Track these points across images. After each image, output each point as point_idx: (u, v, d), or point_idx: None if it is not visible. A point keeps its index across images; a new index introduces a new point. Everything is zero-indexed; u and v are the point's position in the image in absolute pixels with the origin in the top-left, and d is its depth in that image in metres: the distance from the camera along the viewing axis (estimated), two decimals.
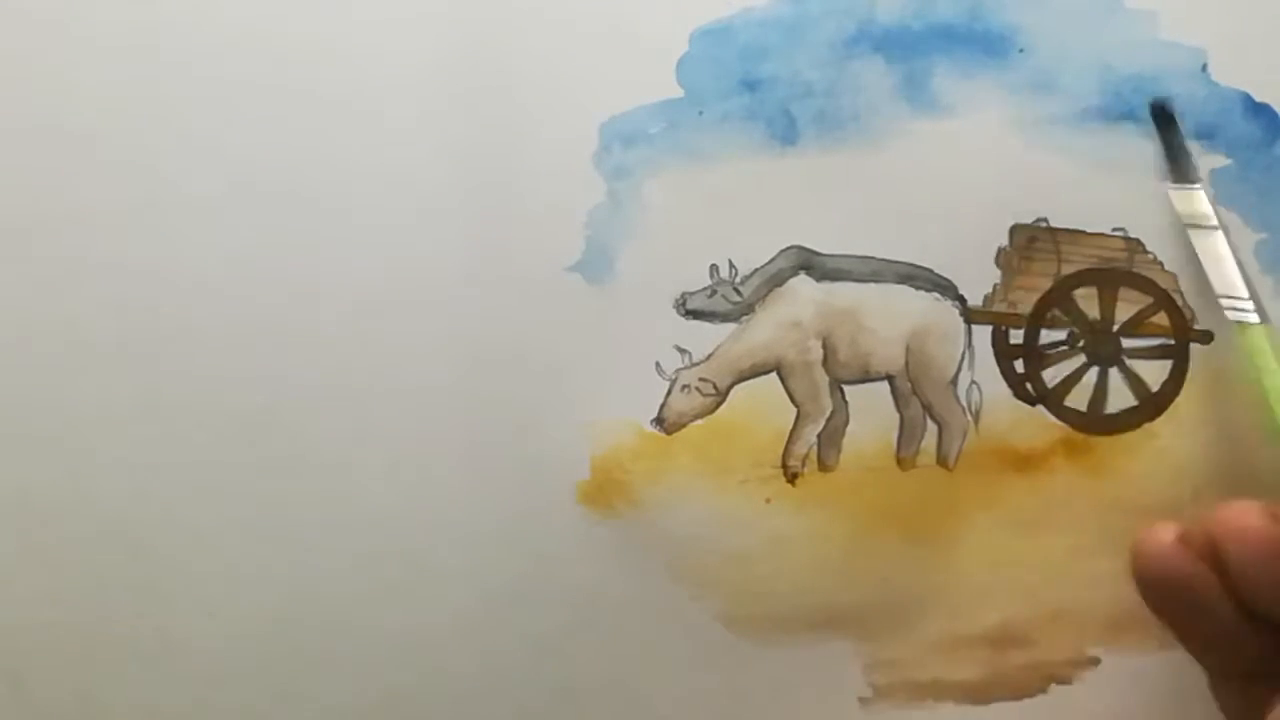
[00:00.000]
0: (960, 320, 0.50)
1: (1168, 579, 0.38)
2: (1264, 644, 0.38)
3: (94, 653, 0.47)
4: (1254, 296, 0.44)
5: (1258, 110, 0.50)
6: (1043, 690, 0.53)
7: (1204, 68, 0.50)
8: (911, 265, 0.49)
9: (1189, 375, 0.52)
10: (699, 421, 0.49)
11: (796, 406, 0.50)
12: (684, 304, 0.48)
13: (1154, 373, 0.52)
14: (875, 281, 0.49)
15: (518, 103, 0.47)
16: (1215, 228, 0.45)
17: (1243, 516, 0.38)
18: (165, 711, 0.47)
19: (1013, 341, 0.51)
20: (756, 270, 0.49)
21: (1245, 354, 0.42)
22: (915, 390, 0.51)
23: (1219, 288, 0.44)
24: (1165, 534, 0.39)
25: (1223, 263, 0.44)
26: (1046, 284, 0.51)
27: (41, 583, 0.46)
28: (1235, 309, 0.43)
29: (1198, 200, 0.46)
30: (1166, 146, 0.47)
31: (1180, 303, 0.51)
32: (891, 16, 0.48)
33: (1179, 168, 0.47)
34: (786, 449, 0.50)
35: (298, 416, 0.47)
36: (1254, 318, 0.43)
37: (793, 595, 0.50)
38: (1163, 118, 0.47)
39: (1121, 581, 0.53)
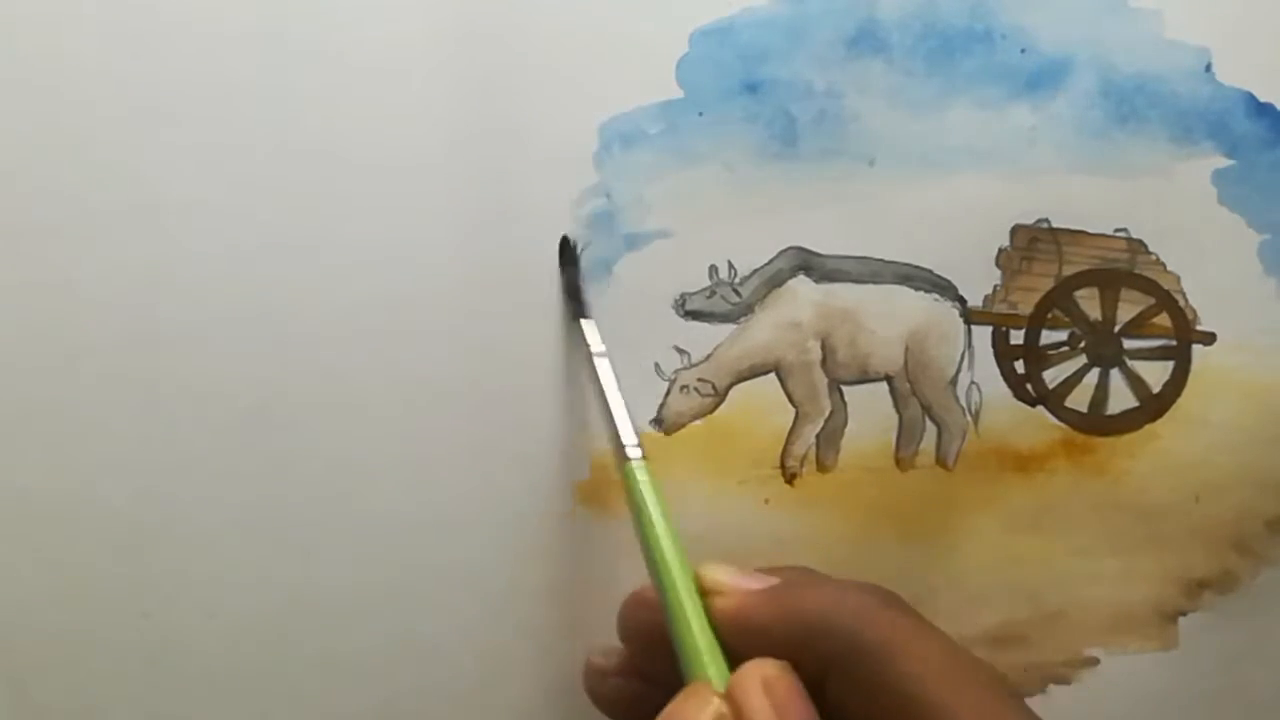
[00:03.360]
0: (960, 320, 0.50)
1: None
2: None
3: (94, 654, 0.47)
4: (635, 430, 0.44)
5: (1261, 110, 0.50)
6: (1041, 690, 0.53)
7: (1208, 67, 0.49)
8: (911, 265, 0.49)
9: (1191, 376, 0.52)
10: (698, 422, 0.49)
11: (795, 407, 0.50)
12: (684, 304, 0.48)
13: (1155, 373, 0.52)
14: (874, 282, 0.49)
15: (518, 102, 0.47)
16: (604, 355, 0.46)
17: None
18: (165, 712, 0.47)
19: (1013, 342, 0.51)
20: (756, 271, 0.49)
21: (628, 489, 0.42)
22: (914, 391, 0.50)
23: (616, 419, 0.44)
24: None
25: (614, 394, 0.44)
26: (1048, 284, 0.51)
27: (41, 584, 0.46)
28: (624, 444, 0.43)
29: (592, 330, 0.46)
30: (568, 283, 0.47)
31: (1182, 303, 0.51)
32: (891, 17, 0.47)
33: (580, 303, 0.47)
34: (785, 449, 0.50)
35: (297, 417, 0.47)
36: (637, 453, 0.43)
37: None
38: (566, 256, 0.47)
39: (1121, 582, 0.53)
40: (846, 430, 0.50)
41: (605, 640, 0.45)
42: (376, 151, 0.47)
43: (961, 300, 0.50)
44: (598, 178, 0.47)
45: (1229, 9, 0.49)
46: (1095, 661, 0.53)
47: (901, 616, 0.38)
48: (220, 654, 0.47)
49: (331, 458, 0.47)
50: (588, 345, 0.46)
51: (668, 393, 0.49)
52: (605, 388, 0.45)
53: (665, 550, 0.40)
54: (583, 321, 0.46)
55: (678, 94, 0.47)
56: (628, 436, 0.43)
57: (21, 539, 0.46)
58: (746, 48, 0.47)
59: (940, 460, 0.51)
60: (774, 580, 0.40)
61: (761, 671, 0.37)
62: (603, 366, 0.45)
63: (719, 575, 0.41)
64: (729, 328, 0.49)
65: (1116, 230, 0.50)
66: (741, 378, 0.49)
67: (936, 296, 0.50)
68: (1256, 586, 0.53)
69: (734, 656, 0.38)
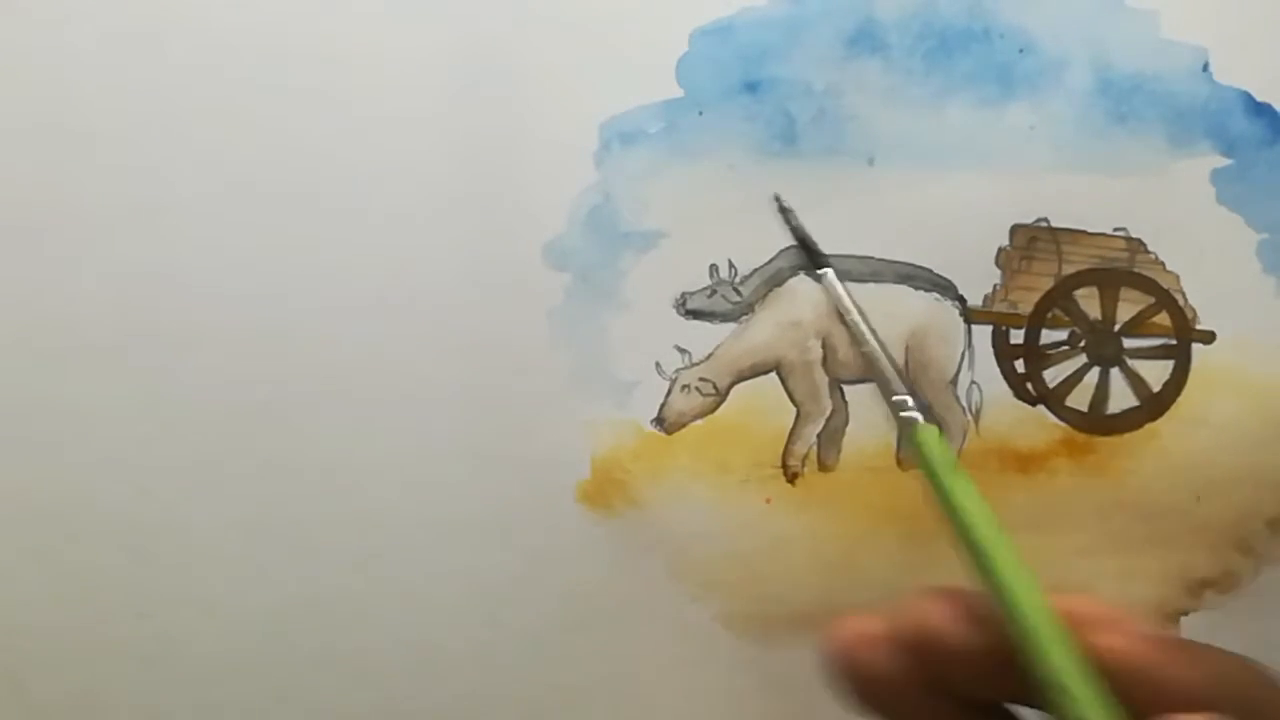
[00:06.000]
0: (960, 320, 0.50)
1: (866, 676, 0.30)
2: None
3: (94, 653, 0.47)
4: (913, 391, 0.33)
5: (1259, 110, 0.50)
6: None
7: (1205, 67, 0.50)
8: (911, 265, 0.49)
9: (1190, 375, 0.52)
10: (699, 421, 0.49)
11: (796, 406, 0.50)
12: (684, 304, 0.48)
13: (1156, 373, 0.52)
14: (875, 281, 0.49)
15: (518, 102, 0.47)
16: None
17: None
18: (165, 711, 0.47)
19: (1013, 341, 0.51)
20: (756, 270, 0.49)
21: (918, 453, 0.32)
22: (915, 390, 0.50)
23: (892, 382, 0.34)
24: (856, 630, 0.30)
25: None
26: (1047, 284, 0.51)
27: (42, 583, 0.46)
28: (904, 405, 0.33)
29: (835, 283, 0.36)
30: (798, 233, 0.37)
31: (1182, 302, 0.51)
32: (890, 16, 0.48)
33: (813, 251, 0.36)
34: (786, 449, 0.50)
35: (298, 417, 0.47)
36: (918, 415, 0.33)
37: (793, 595, 0.50)
38: (785, 211, 0.37)
39: (1123, 582, 0.53)
40: (848, 430, 0.50)
41: (604, 638, 0.45)
42: (377, 151, 0.47)
43: (961, 299, 0.50)
44: (598, 177, 0.47)
45: (1226, 9, 0.50)
46: None
47: None
48: (220, 654, 0.47)
49: (331, 458, 0.47)
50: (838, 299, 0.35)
51: (669, 392, 0.49)
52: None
53: (997, 556, 0.28)
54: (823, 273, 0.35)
55: (678, 93, 0.47)
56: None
57: (21, 539, 0.46)
58: (746, 47, 0.47)
59: None
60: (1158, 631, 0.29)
61: None
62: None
63: (1092, 608, 0.28)
64: (730, 327, 0.49)
65: (1115, 229, 0.51)
66: (742, 377, 0.49)
67: (937, 296, 0.50)
68: (1258, 586, 0.52)
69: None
